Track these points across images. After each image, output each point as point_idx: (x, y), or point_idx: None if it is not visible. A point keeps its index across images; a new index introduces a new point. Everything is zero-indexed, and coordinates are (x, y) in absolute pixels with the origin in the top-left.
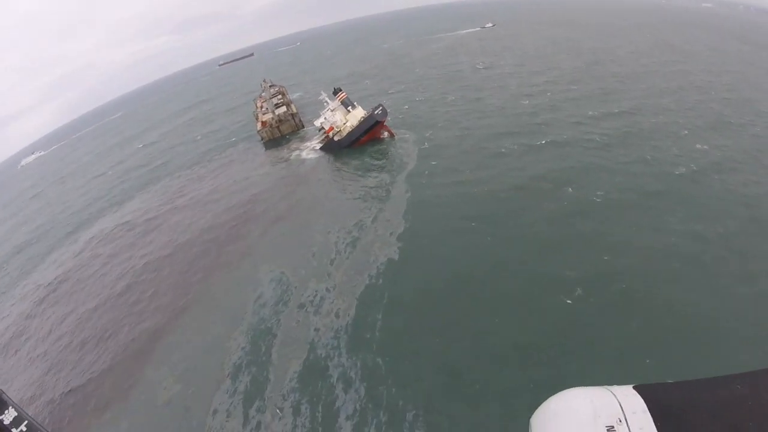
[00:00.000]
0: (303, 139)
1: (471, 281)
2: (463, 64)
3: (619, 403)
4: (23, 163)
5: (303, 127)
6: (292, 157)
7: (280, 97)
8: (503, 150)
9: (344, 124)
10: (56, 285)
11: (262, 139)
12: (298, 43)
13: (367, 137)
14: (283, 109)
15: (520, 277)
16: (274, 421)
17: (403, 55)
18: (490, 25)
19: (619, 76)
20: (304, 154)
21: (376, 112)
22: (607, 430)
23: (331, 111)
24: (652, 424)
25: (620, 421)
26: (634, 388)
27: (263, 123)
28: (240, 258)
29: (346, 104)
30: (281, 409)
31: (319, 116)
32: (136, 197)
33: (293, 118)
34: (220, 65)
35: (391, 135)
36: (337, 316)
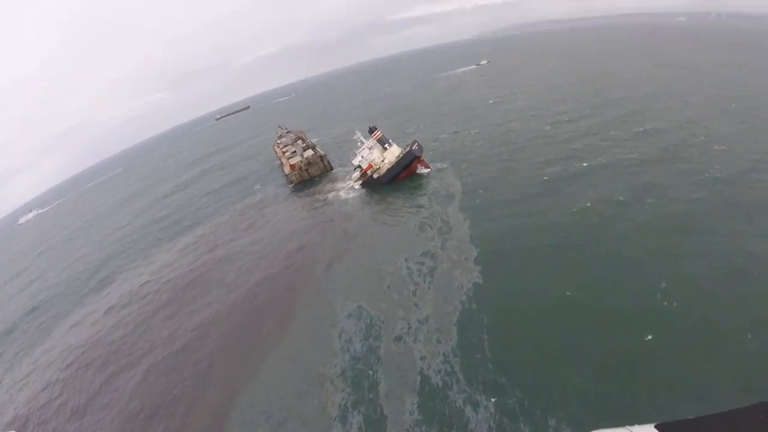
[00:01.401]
0: (335, 180)
1: (564, 298)
2: (475, 100)
3: None
4: (21, 221)
5: (332, 168)
6: (330, 198)
7: (301, 141)
8: (546, 178)
9: (382, 161)
10: (87, 347)
11: (291, 183)
12: (293, 94)
13: (405, 173)
14: (310, 152)
15: (608, 292)
16: None
17: (409, 97)
18: (485, 62)
19: (630, 99)
20: (343, 194)
21: (413, 148)
22: None
23: (368, 149)
24: None
25: None
26: (655, 426)
27: (292, 166)
28: (310, 299)
29: (383, 142)
30: None
31: (355, 155)
32: (163, 250)
33: (322, 160)
34: (217, 119)
35: (429, 169)
36: (439, 342)
